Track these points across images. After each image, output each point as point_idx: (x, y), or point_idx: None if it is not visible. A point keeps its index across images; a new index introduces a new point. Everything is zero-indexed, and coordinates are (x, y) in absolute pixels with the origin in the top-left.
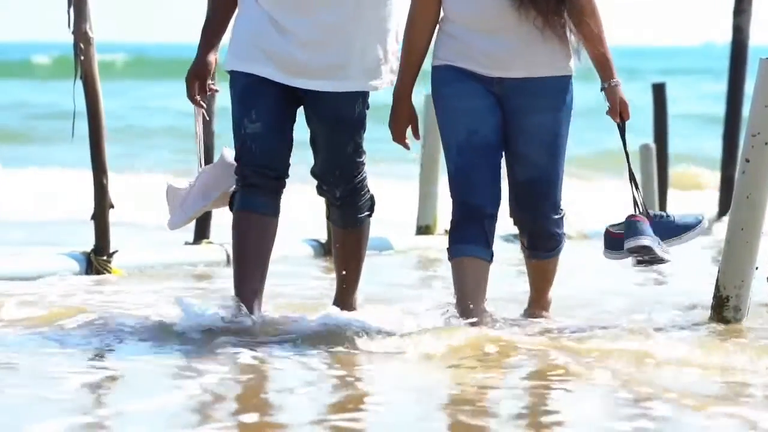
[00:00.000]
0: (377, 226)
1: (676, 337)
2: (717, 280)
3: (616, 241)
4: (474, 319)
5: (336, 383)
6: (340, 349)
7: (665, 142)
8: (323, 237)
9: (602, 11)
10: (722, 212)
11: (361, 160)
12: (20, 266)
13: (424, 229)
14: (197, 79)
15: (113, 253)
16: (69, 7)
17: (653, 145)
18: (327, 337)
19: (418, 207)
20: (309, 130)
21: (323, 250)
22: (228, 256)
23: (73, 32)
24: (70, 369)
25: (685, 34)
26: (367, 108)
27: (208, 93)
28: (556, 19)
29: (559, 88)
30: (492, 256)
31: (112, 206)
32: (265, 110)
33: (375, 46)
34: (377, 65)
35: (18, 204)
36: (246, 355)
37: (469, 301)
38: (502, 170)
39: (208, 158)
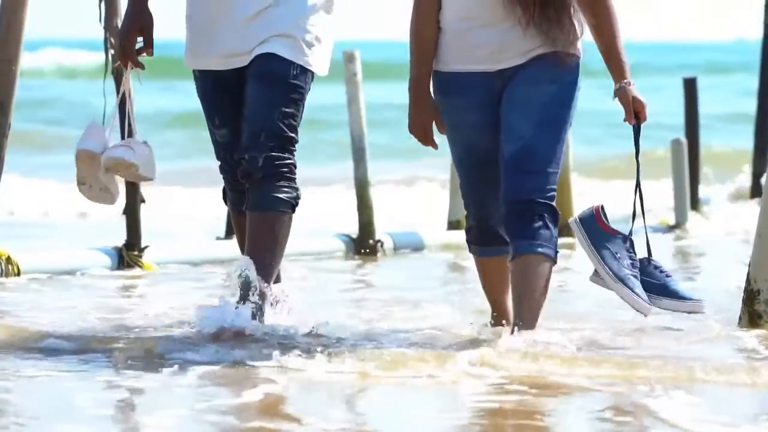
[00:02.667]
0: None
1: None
2: (747, 274)
3: (601, 234)
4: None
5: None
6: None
7: (697, 138)
8: (354, 231)
9: (634, 5)
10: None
11: (292, 135)
12: (52, 262)
13: (455, 224)
14: (139, 33)
15: (145, 248)
16: (100, 2)
17: (685, 140)
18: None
19: (449, 202)
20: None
21: (355, 246)
22: None
23: (104, 27)
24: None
25: (716, 29)
26: (304, 88)
27: (148, 54)
28: (551, 12)
29: (558, 62)
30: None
31: (143, 201)
32: (226, 112)
33: (313, 25)
34: (314, 42)
35: (44, 206)
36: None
37: (493, 294)
38: None
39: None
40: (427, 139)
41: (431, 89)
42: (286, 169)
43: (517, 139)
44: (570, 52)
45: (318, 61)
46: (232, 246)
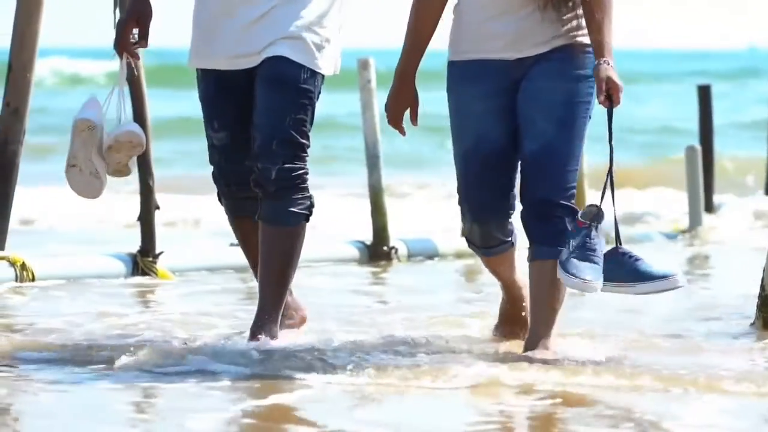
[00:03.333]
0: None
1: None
2: (762, 280)
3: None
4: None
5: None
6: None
7: (711, 144)
8: (368, 238)
9: (646, 14)
10: None
11: (303, 142)
12: (67, 268)
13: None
14: (135, 23)
15: (159, 254)
16: (115, 8)
17: (699, 147)
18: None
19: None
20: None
21: (369, 252)
22: None
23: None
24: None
25: (728, 37)
26: (314, 92)
27: (142, 45)
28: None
29: (578, 56)
30: (512, 243)
31: (158, 207)
32: (227, 116)
33: (324, 25)
34: (325, 44)
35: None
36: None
37: (504, 280)
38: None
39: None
40: (397, 124)
41: (447, 82)
42: (299, 180)
43: (539, 137)
44: (588, 44)
45: (328, 62)
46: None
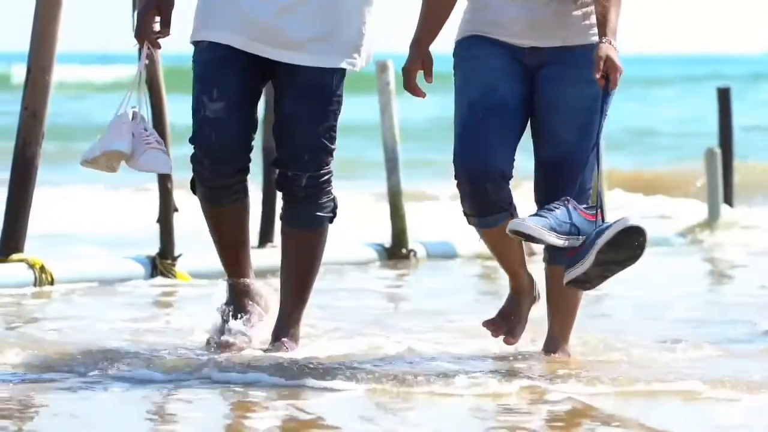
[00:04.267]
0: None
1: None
2: None
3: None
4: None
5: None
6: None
7: (731, 147)
8: (386, 240)
9: (662, 18)
10: None
11: (333, 147)
12: (86, 270)
13: None
14: (157, 11)
15: (178, 256)
16: (133, 11)
17: (718, 150)
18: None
19: None
20: (276, 110)
21: (387, 255)
22: None
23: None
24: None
25: (745, 41)
26: (342, 93)
27: (164, 34)
28: None
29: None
30: (513, 208)
31: (176, 210)
32: (229, 88)
33: (360, 16)
34: (361, 39)
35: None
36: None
37: (507, 262)
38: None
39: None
40: (412, 86)
41: (454, 58)
42: (326, 185)
43: (559, 144)
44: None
45: (361, 59)
46: (266, 255)
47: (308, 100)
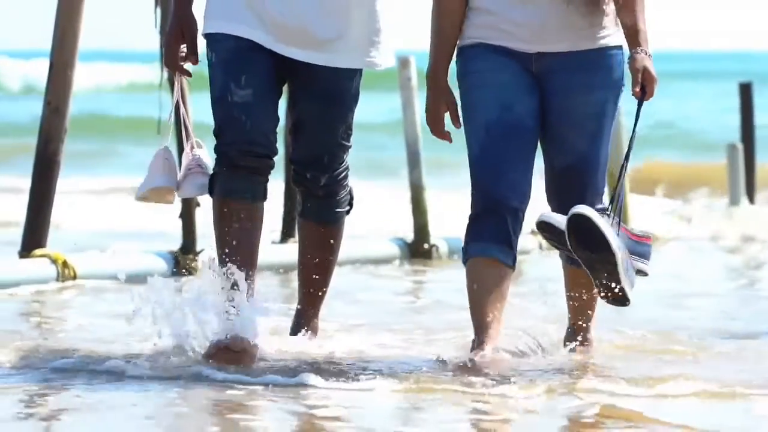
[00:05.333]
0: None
1: None
2: None
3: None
4: (480, 354)
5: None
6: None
7: (752, 142)
8: (409, 236)
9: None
10: None
11: (349, 144)
12: (108, 265)
13: None
14: (183, 39)
15: (200, 252)
16: (156, 6)
17: (740, 145)
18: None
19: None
20: (293, 111)
21: (409, 250)
22: None
23: (160, 33)
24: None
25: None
26: (359, 89)
27: (192, 61)
28: None
29: (606, 63)
30: (515, 261)
31: (199, 205)
32: (256, 76)
33: (376, 14)
34: (380, 37)
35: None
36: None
37: (482, 311)
38: (536, 165)
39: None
40: (437, 129)
41: (458, 66)
42: (344, 180)
43: (571, 152)
44: (614, 45)
45: (381, 57)
46: (288, 250)
47: (328, 103)
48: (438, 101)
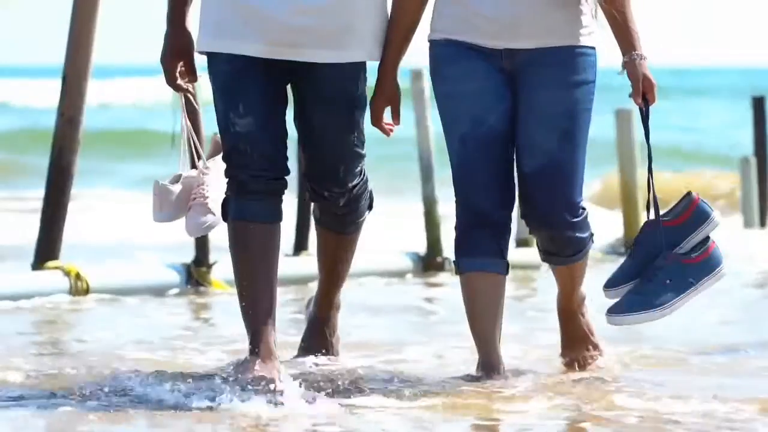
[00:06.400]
0: None
1: None
2: None
3: (674, 231)
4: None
5: None
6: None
7: (765, 156)
8: (421, 249)
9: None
10: None
11: (363, 152)
12: (121, 277)
13: (523, 242)
14: (180, 57)
15: (213, 264)
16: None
17: (753, 159)
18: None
19: (516, 221)
20: (300, 120)
21: (422, 263)
22: None
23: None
24: None
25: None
26: (366, 87)
27: (191, 81)
28: None
29: (578, 60)
30: (507, 267)
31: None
32: (254, 99)
33: (377, 9)
34: (382, 28)
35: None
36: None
37: (482, 324)
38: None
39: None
40: (378, 124)
41: (430, 64)
42: (362, 190)
43: (542, 154)
44: (588, 45)
45: (381, 49)
46: (301, 263)
47: (335, 106)
48: (381, 98)
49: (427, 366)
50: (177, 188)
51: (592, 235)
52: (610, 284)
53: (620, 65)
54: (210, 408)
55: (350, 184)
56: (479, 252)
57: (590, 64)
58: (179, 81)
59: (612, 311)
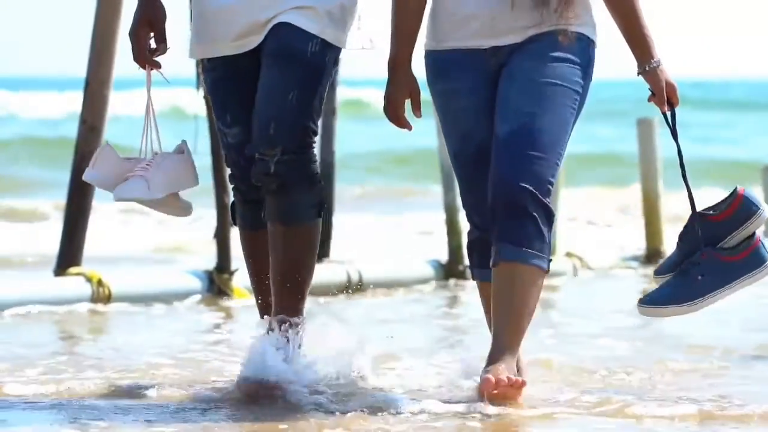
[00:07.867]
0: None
1: None
2: None
3: (716, 225)
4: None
5: None
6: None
7: None
8: (443, 256)
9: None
10: None
11: (309, 125)
12: (143, 284)
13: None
14: (150, 26)
15: (234, 271)
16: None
17: None
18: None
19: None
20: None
21: (444, 271)
22: (349, 277)
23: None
24: None
25: None
26: (326, 67)
27: (161, 50)
28: None
29: (564, 42)
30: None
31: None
32: (239, 109)
33: None
34: (339, 12)
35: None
36: None
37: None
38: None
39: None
40: (398, 119)
41: (426, 74)
42: (304, 171)
43: (515, 117)
44: (578, 31)
45: (342, 33)
46: (318, 270)
47: (277, 65)
48: (399, 90)
49: (432, 374)
50: (122, 158)
51: (550, 258)
52: (658, 272)
53: (637, 74)
54: (230, 417)
55: (281, 146)
56: (486, 264)
57: (581, 49)
58: (148, 55)
59: (642, 301)
